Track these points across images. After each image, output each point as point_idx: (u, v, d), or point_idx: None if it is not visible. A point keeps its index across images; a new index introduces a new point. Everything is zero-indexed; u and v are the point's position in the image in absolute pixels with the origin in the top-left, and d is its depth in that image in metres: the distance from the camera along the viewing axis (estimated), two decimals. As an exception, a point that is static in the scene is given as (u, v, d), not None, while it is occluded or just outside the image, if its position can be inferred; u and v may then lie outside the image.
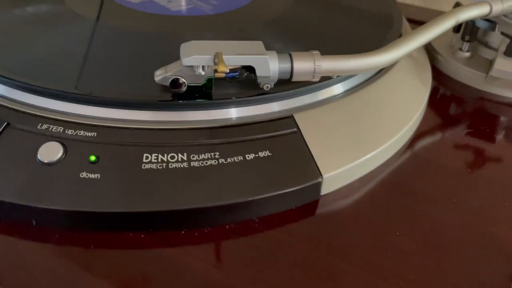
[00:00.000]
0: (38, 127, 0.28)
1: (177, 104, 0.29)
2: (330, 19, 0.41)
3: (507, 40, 0.41)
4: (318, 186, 0.29)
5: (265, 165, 0.28)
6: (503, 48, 0.41)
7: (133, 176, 0.27)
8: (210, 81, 0.29)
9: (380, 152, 0.32)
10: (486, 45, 0.45)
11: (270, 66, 0.29)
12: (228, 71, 0.26)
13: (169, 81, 0.29)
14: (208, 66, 0.28)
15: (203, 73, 0.28)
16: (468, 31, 0.44)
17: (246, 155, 0.29)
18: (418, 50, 0.41)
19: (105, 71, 0.31)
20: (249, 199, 0.27)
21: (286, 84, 0.31)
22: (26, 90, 0.30)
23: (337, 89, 0.34)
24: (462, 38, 0.44)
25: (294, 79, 0.30)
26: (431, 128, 0.38)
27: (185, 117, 0.30)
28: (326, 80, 0.32)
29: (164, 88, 0.29)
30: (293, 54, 0.30)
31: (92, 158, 0.27)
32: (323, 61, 0.30)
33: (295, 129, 0.30)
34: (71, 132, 0.28)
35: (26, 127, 0.28)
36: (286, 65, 0.29)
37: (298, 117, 0.31)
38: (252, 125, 0.30)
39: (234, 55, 0.28)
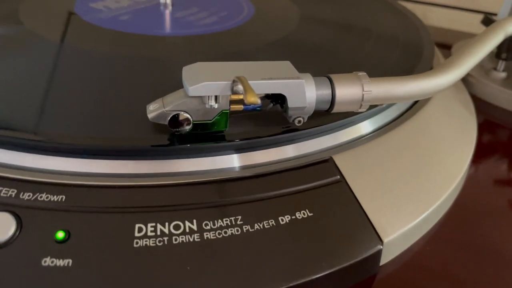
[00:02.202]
0: (-21, 191, 0.20)
1: (178, 149, 0.21)
2: (346, 42, 0.33)
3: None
4: (377, 256, 0.21)
5: (306, 232, 0.20)
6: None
7: (121, 259, 0.18)
8: (224, 116, 0.21)
9: (442, 203, 0.25)
10: (524, 63, 0.39)
11: (306, 93, 0.21)
12: (259, 102, 0.18)
13: (168, 118, 0.20)
14: (222, 96, 0.20)
15: (215, 105, 0.20)
16: (504, 48, 0.37)
17: (279, 218, 0.20)
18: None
19: (74, 108, 0.23)
20: (290, 284, 0.19)
21: (317, 117, 0.23)
22: None
23: (371, 125, 0.26)
24: (498, 56, 0.38)
25: (335, 110, 0.22)
26: (483, 167, 0.31)
27: (190, 166, 0.21)
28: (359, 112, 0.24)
29: (158, 127, 0.21)
30: (334, 77, 0.22)
31: (60, 235, 0.18)
32: (373, 85, 0.22)
33: (338, 176, 0.23)
34: (28, 196, 0.19)
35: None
36: (326, 92, 0.22)
37: (339, 160, 0.23)
38: (282, 173, 0.22)
39: (260, 80, 0.20)
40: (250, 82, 0.19)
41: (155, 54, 0.29)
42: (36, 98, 0.23)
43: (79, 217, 0.19)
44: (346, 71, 0.23)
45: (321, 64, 0.29)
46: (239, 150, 0.22)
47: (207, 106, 0.20)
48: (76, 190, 0.20)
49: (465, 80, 0.40)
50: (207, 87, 0.20)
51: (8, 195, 0.19)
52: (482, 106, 0.38)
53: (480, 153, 0.32)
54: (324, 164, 0.23)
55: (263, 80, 0.20)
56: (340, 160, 0.23)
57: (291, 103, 0.21)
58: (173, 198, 0.20)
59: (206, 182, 0.21)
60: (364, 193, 0.22)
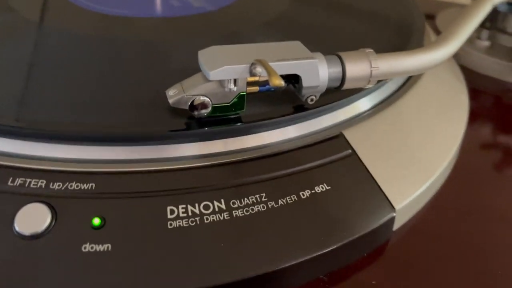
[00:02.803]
0: (9, 184, 0.20)
1: (200, 133, 0.22)
2: (339, 19, 0.34)
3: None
4: (391, 222, 0.23)
5: (326, 204, 0.22)
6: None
7: (158, 240, 0.19)
8: (242, 98, 0.22)
9: (444, 169, 0.26)
10: (505, 31, 0.40)
11: (319, 72, 0.22)
12: (284, 84, 0.19)
13: (189, 102, 0.21)
14: (240, 79, 0.21)
15: (234, 88, 0.21)
16: (488, 17, 0.39)
17: (300, 193, 0.22)
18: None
19: (90, 94, 0.23)
20: (316, 253, 0.20)
21: (324, 95, 0.24)
22: None
23: (372, 100, 0.27)
24: (482, 25, 0.39)
25: (345, 87, 0.23)
26: (474, 133, 0.32)
27: (212, 148, 0.22)
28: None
29: (174, 111, 0.22)
30: (343, 55, 0.23)
31: (96, 221, 0.19)
32: (380, 61, 0.23)
33: (350, 150, 0.24)
34: (58, 186, 0.20)
35: (-8, 185, 0.20)
36: (337, 70, 0.23)
37: (348, 135, 0.24)
38: (298, 150, 0.23)
39: (276, 62, 0.21)
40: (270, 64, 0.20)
41: (151, 37, 0.29)
42: (54, 89, 0.23)
43: (111, 203, 0.20)
44: (341, 47, 0.24)
45: (317, 41, 0.30)
46: (257, 130, 0.23)
47: (226, 89, 0.21)
48: (105, 177, 0.20)
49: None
50: (227, 71, 0.20)
51: (38, 186, 0.20)
52: (467, 74, 0.40)
53: (472, 120, 0.33)
54: (336, 140, 0.24)
55: (279, 61, 0.21)
56: (350, 135, 0.24)
57: (305, 82, 0.22)
58: (199, 179, 0.21)
59: (228, 163, 0.22)
60: (374, 165, 0.24)
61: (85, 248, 0.18)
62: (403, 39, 0.30)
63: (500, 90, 0.38)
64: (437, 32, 0.43)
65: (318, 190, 0.22)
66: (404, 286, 0.22)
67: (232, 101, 0.22)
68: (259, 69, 0.20)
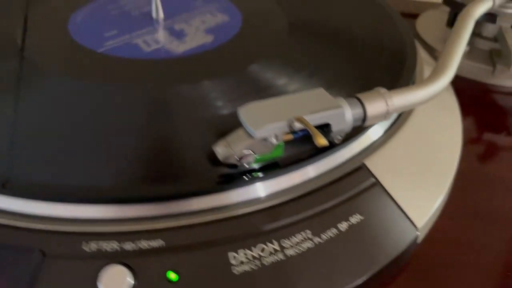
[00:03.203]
0: (84, 248, 0.22)
1: (244, 180, 0.24)
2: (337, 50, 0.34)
3: (510, 31, 0.40)
4: (415, 240, 0.26)
5: (362, 234, 0.25)
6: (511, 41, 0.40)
7: (228, 286, 0.22)
8: (280, 147, 0.25)
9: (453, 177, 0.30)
10: (481, 36, 0.44)
11: (345, 117, 0.25)
12: (327, 144, 0.21)
13: (237, 158, 0.23)
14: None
15: (276, 142, 0.24)
16: (466, 26, 0.42)
17: (339, 226, 0.25)
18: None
19: (149, 154, 0.25)
20: (364, 279, 0.23)
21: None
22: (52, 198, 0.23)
23: (383, 125, 0.30)
24: (461, 33, 0.43)
25: (366, 124, 0.26)
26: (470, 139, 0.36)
27: (254, 193, 0.25)
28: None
29: (219, 164, 0.24)
30: (361, 97, 0.26)
31: (172, 276, 0.22)
32: (394, 98, 0.26)
33: (373, 179, 0.27)
34: (131, 246, 0.22)
35: (67, 252, 0.22)
36: (359, 111, 0.26)
37: (369, 164, 0.27)
38: (330, 186, 0.26)
39: (309, 115, 0.24)
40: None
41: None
42: (115, 152, 0.25)
43: (180, 257, 0.22)
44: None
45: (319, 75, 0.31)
46: (292, 170, 0.25)
47: (268, 144, 0.24)
48: (171, 232, 0.23)
49: (433, 56, 0.45)
50: (269, 129, 0.23)
51: (112, 248, 0.22)
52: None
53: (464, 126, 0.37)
54: (360, 171, 0.27)
55: (312, 114, 0.24)
56: (371, 164, 0.27)
57: (334, 127, 0.25)
58: (248, 224, 0.24)
59: (271, 207, 0.24)
60: (395, 189, 0.27)
61: (168, 302, 0.21)
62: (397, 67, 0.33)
63: (480, 90, 0.42)
64: (419, 38, 0.46)
65: (353, 221, 0.25)
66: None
67: (273, 153, 0.24)
68: (297, 125, 0.23)
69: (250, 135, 0.23)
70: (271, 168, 0.25)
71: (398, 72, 0.32)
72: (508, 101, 0.40)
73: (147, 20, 0.36)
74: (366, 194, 0.26)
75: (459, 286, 0.26)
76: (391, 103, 0.26)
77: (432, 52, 0.44)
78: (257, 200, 0.25)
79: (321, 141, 0.21)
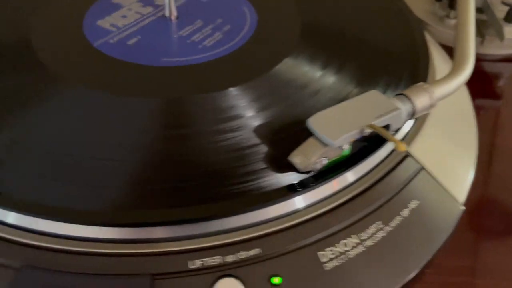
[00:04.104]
0: (191, 267, 0.24)
1: (320, 181, 0.26)
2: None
3: (502, 6, 0.44)
4: (460, 216, 0.30)
5: (422, 217, 0.28)
6: (501, 15, 0.44)
7: (323, 283, 0.24)
8: (348, 149, 0.27)
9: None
10: (466, 6, 0.47)
11: (402, 116, 0.27)
12: (406, 149, 0.24)
13: (314, 166, 0.26)
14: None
15: (348, 147, 0.26)
16: (453, -1, 0.45)
17: (401, 213, 0.28)
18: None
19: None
20: (427, 259, 0.27)
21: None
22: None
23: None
24: (451, 7, 0.46)
25: (415, 117, 0.29)
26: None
27: (326, 191, 0.27)
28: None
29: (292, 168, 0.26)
30: (408, 93, 0.28)
31: (276, 280, 0.24)
32: (435, 90, 0.29)
33: (419, 165, 0.30)
34: (232, 258, 0.24)
35: (176, 271, 0.24)
36: (409, 107, 0.28)
37: (413, 151, 0.30)
38: (386, 177, 0.29)
39: (375, 120, 0.26)
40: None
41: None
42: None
43: (278, 262, 0.24)
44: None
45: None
46: (338, 174, 0.27)
47: (340, 149, 0.26)
48: (266, 240, 0.25)
49: (424, 29, 0.47)
50: (346, 138, 0.25)
51: (216, 262, 0.24)
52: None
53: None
54: (408, 159, 0.30)
55: (377, 118, 0.26)
56: (414, 150, 0.30)
57: (393, 127, 0.27)
58: (330, 222, 0.26)
59: (342, 204, 0.27)
60: (438, 171, 0.30)
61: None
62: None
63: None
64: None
65: (412, 206, 0.28)
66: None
67: (343, 154, 0.27)
68: (367, 131, 0.25)
69: (324, 144, 0.25)
70: (339, 168, 0.27)
71: (415, 65, 0.34)
72: (499, 68, 0.44)
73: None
74: (416, 180, 0.29)
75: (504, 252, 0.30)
76: (434, 96, 0.29)
77: (426, 26, 0.47)
78: (327, 200, 0.27)
79: (403, 147, 0.24)
